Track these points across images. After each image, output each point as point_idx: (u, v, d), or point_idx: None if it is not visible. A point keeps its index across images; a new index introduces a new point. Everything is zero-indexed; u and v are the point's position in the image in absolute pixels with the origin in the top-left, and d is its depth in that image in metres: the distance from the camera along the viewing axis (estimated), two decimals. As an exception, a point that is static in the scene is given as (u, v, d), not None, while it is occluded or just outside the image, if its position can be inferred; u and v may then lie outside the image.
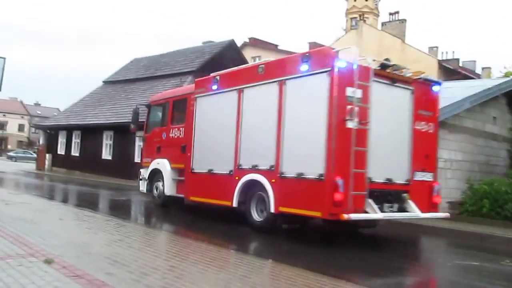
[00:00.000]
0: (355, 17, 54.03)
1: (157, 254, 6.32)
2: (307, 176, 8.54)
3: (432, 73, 36.92)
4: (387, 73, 9.14)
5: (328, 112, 8.27)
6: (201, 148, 11.73)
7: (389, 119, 9.09)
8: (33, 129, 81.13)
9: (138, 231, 8.58)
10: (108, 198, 16.90)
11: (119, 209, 14.01)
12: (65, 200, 15.71)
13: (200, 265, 5.87)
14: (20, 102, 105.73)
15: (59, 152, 33.54)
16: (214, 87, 11.50)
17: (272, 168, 9.31)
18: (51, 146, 35.07)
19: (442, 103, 13.01)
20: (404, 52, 39.91)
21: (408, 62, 39.21)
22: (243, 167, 10.14)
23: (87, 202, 15.06)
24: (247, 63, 32.54)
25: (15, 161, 61.26)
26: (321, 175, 8.24)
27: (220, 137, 11.02)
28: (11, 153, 69.78)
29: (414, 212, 9.00)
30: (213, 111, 11.50)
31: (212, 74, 11.94)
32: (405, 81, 9.34)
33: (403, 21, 43.87)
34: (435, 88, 9.87)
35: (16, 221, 8.35)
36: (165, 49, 36.50)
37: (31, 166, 40.45)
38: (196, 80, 12.96)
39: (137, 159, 25.64)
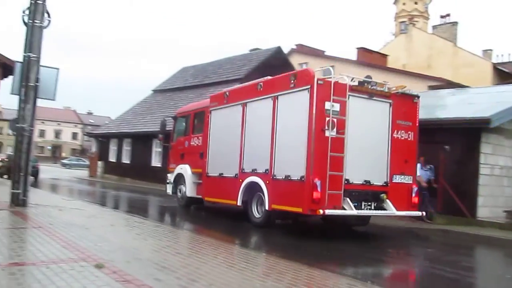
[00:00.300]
0: (404, 21, 52.96)
1: (204, 261, 6.31)
2: (292, 178, 9.99)
3: (486, 76, 36.03)
4: (365, 88, 10.32)
5: (308, 122, 9.62)
6: (214, 154, 13.35)
7: (368, 128, 10.37)
8: (86, 137, 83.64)
9: (186, 238, 8.63)
10: (157, 204, 17.14)
11: (168, 216, 14.18)
12: (116, 207, 16.04)
13: (248, 272, 5.83)
14: (73, 111, 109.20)
15: (110, 160, 34.37)
16: (225, 101, 13.09)
17: (267, 171, 10.82)
18: (103, 153, 36.00)
19: (497, 107, 12.72)
20: (456, 55, 38.86)
21: (460, 65, 38.30)
22: (245, 171, 11.67)
23: (137, 208, 15.33)
24: (293, 69, 32.54)
25: (69, 168, 63.26)
26: (302, 176, 9.65)
27: (229, 144, 12.52)
28: (65, 161, 72.15)
29: (390, 210, 10.28)
30: (223, 122, 13.09)
31: (223, 90, 13.71)
32: (384, 95, 10.58)
33: (455, 23, 42.66)
34: (415, 100, 11.06)
35: (69, 226, 8.55)
36: (214, 58, 36.78)
37: (84, 173, 41.65)
38: (211, 95, 14.83)
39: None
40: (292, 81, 10.38)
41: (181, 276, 5.34)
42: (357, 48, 40.02)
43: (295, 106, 10.22)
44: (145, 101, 36.39)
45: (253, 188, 11.39)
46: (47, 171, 41.06)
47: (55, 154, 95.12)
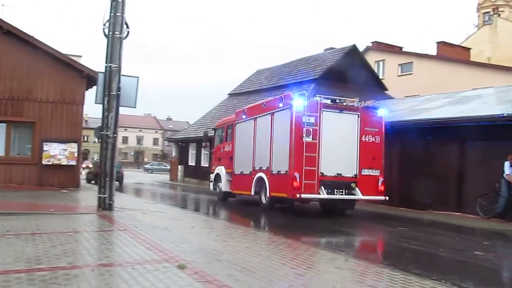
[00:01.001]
0: (488, 12, 50.52)
1: (284, 262, 6.30)
2: (281, 172, 13.81)
3: None
4: (336, 105, 13.82)
5: (290, 131, 13.28)
6: (238, 157, 17.18)
7: (340, 134, 13.64)
8: (166, 142, 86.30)
9: (265, 239, 8.66)
10: (236, 207, 17.34)
11: (247, 218, 14.32)
12: (196, 209, 16.41)
13: (328, 274, 5.76)
14: (153, 118, 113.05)
15: (190, 163, 35.25)
16: (244, 116, 16.95)
17: (268, 168, 14.67)
18: (182, 157, 36.97)
19: None
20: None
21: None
22: (256, 169, 15.50)
23: (217, 211, 15.60)
24: (369, 68, 31.96)
25: (151, 172, 65.55)
26: (286, 171, 13.44)
27: (246, 149, 16.25)
28: (147, 166, 74.83)
29: (358, 195, 13.66)
30: (244, 133, 16.85)
31: (244, 108, 17.85)
32: (353, 109, 14.00)
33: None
34: (380, 111, 14.37)
35: (152, 228, 8.84)
36: (288, 59, 36.79)
37: (165, 177, 42.98)
38: (236, 111, 18.74)
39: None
40: (281, 102, 14.01)
41: (261, 277, 5.36)
42: (437, 43, 38.66)
43: (283, 120, 13.80)
44: (222, 105, 37.02)
45: (260, 181, 15.15)
46: (131, 176, 42.78)
47: (138, 160, 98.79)
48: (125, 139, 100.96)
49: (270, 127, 14.59)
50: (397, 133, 16.80)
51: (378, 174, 13.96)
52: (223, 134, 19.12)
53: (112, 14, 11.33)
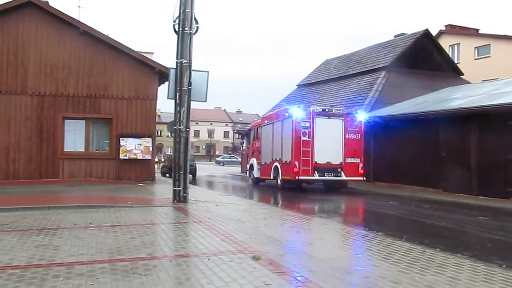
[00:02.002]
0: None
1: (358, 252, 6.22)
2: (288, 161, 19.01)
3: None
4: (325, 113, 19.01)
5: (291, 133, 18.63)
6: (263, 151, 22.35)
7: (330, 134, 18.59)
8: (236, 135, 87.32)
9: (338, 230, 8.57)
10: (308, 198, 17.27)
11: (319, 208, 14.24)
12: (268, 201, 16.46)
13: (403, 264, 5.62)
14: (224, 111, 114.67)
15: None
16: (266, 121, 22.69)
17: (280, 159, 19.79)
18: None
19: None
20: None
21: None
22: (273, 159, 20.76)
23: (288, 202, 15.61)
24: (444, 53, 30.87)
25: (223, 165, 66.59)
26: (290, 160, 18.65)
27: (268, 145, 21.55)
28: (218, 158, 76.07)
29: (342, 177, 18.78)
30: (266, 133, 22.16)
31: (266, 115, 25.28)
32: (338, 115, 19.05)
33: None
34: (359, 116, 19.28)
35: (226, 220, 8.98)
36: (356, 48, 36.13)
37: (237, 169, 43.48)
38: (261, 116, 26.61)
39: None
40: (287, 112, 19.38)
41: (337, 268, 5.31)
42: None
43: (288, 125, 19.05)
44: (291, 96, 36.94)
45: (276, 169, 20.44)
46: (203, 169, 43.63)
47: (209, 153, 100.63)
48: (196, 133, 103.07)
49: (281, 130, 19.84)
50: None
51: (359, 161, 19.08)
52: (255, 133, 24.58)
53: (181, 11, 11.55)
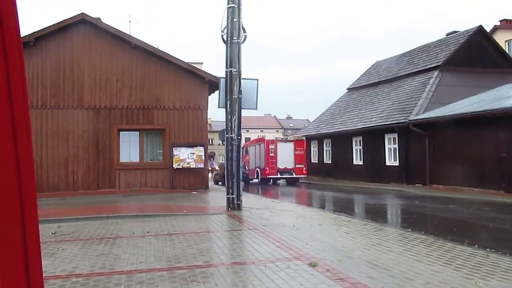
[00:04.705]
0: None
1: (419, 258, 6.05)
2: (263, 167, 31.34)
3: None
4: (284, 140, 33.56)
5: (265, 151, 31.08)
6: (250, 161, 34.15)
7: (287, 151, 30.73)
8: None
9: (396, 235, 8.38)
10: (362, 202, 17.06)
11: (374, 213, 13.99)
12: (322, 206, 16.35)
13: (466, 270, 5.43)
14: (274, 117, 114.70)
15: (312, 161, 35.23)
16: (250, 144, 35.84)
17: (259, 166, 32.06)
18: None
19: None
20: None
21: None
22: (256, 166, 32.93)
23: (343, 207, 15.43)
24: (499, 49, 29.77)
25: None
26: (264, 167, 31.13)
27: (253, 158, 33.84)
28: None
29: (293, 175, 30.80)
30: (252, 150, 34.53)
31: (251, 140, 38.56)
32: (290, 141, 32.47)
33: None
34: (303, 139, 33.18)
35: (280, 227, 8.96)
36: (402, 50, 35.34)
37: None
38: (250, 140, 40.92)
39: (388, 162, 25.43)
40: (264, 141, 31.71)
41: (395, 274, 5.20)
42: None
43: (263, 147, 31.34)
44: (341, 100, 36.62)
45: (257, 172, 31.93)
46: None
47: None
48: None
49: (260, 149, 32.05)
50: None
51: (303, 166, 30.97)
52: (245, 150, 34.55)
53: (229, 20, 11.67)
